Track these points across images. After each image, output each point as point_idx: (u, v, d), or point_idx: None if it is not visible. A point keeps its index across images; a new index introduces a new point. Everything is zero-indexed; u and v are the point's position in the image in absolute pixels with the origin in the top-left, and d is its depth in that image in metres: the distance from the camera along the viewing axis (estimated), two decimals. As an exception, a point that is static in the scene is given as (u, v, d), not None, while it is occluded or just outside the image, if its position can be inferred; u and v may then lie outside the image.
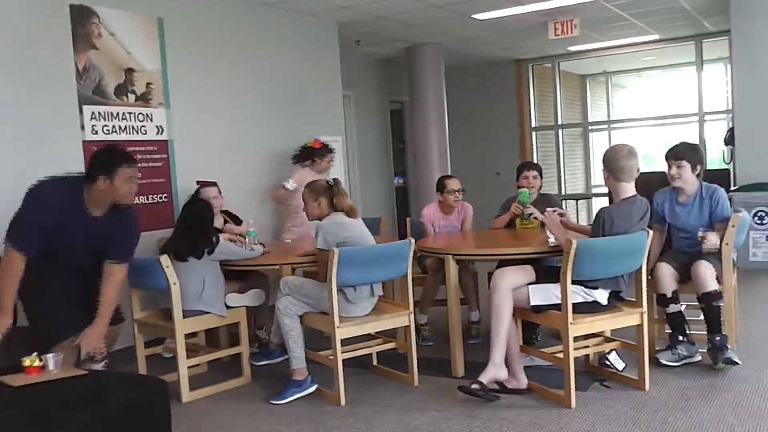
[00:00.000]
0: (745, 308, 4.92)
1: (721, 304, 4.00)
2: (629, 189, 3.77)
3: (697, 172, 4.22)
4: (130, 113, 5.24)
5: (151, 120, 5.42)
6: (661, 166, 4.42)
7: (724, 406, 3.49)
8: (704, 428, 3.25)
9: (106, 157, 3.48)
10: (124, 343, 4.60)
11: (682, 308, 4.19)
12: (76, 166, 4.82)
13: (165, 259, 3.95)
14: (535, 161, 10.42)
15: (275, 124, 6.61)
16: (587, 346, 4.00)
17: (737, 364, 3.91)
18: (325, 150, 5.83)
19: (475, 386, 3.62)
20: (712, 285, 3.96)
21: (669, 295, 4.09)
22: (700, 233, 4.08)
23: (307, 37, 7.09)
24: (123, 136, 5.15)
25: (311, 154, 5.80)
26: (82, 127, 4.90)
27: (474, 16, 7.52)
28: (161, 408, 3.04)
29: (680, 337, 4.14)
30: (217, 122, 6.06)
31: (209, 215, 4.36)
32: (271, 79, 6.61)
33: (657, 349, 4.23)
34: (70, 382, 3.02)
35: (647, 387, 3.77)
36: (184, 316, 4.02)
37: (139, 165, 5.28)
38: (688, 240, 4.24)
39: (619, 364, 4.02)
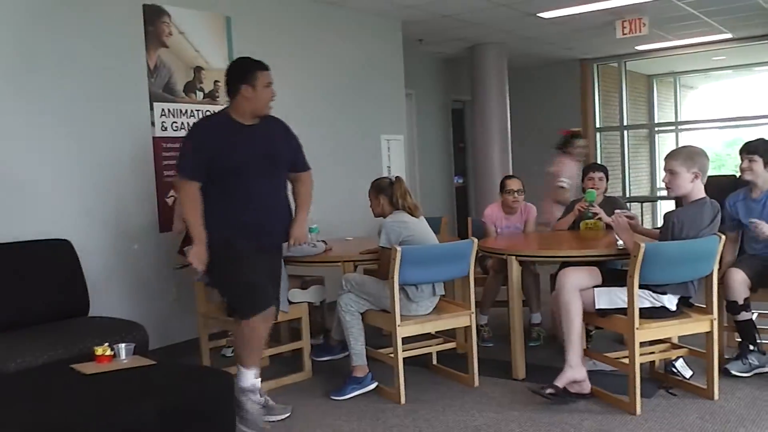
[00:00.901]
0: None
1: None
2: (703, 191, 3.66)
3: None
4: (198, 110, 5.35)
5: (218, 117, 5.52)
6: (732, 170, 4.30)
7: (798, 419, 3.37)
8: (777, 441, 3.14)
9: (241, 68, 3.58)
10: (189, 335, 4.74)
11: (754, 316, 4.05)
12: (147, 162, 4.98)
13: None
14: (600, 163, 10.24)
15: (338, 121, 6.66)
16: (653, 353, 3.90)
17: None
18: (572, 137, 5.96)
19: (550, 391, 3.58)
20: None
21: (740, 302, 3.95)
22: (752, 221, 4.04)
23: (371, 35, 7.12)
24: (191, 133, 5.26)
25: (565, 143, 5.94)
26: (153, 124, 5.03)
27: (539, 14, 7.42)
28: (225, 400, 3.11)
29: (751, 347, 4.01)
30: (283, 120, 6.12)
31: None
32: (335, 78, 6.66)
33: (726, 357, 4.10)
34: (139, 371, 3.11)
35: (716, 396, 3.66)
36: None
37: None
38: (760, 246, 4.11)
39: (687, 372, 3.92)
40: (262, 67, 3.55)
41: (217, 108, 5.49)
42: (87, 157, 4.62)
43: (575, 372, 3.62)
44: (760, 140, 4.20)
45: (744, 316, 3.99)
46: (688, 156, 3.64)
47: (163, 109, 5.10)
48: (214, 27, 5.52)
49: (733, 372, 3.95)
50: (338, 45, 6.70)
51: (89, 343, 3.35)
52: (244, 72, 3.51)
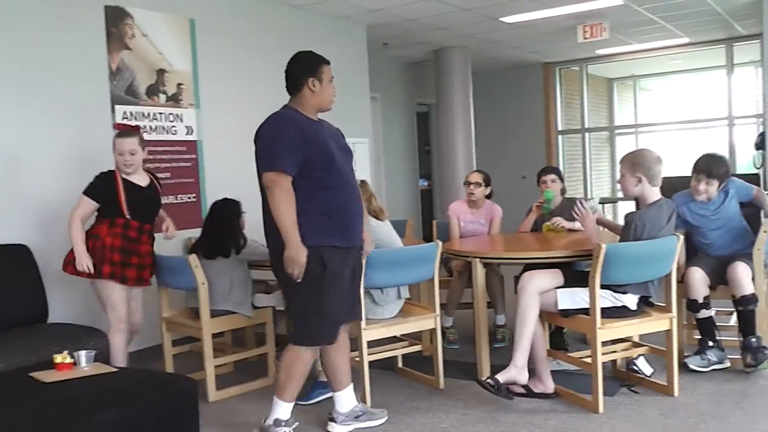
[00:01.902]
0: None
1: (756, 307, 3.98)
2: (657, 193, 3.74)
3: (723, 187, 4.27)
4: (160, 113, 5.29)
5: (181, 120, 5.47)
6: (688, 170, 4.37)
7: (756, 413, 3.45)
8: (735, 436, 3.21)
9: (307, 60, 3.38)
10: (153, 341, 4.67)
11: (713, 314, 4.14)
12: (108, 165, 4.90)
13: (193, 259, 3.98)
14: (557, 165, 10.39)
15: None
16: (615, 351, 3.96)
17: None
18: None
19: (489, 381, 3.61)
20: (749, 288, 3.96)
21: (700, 300, 4.06)
22: None
23: (336, 39, 7.11)
24: (153, 136, 5.20)
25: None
26: (114, 127, 4.96)
27: (502, 19, 7.49)
28: (189, 407, 3.08)
29: (710, 343, 4.10)
30: (248, 124, 6.07)
31: (236, 214, 4.38)
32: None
33: (686, 354, 4.18)
34: (100, 379, 3.06)
35: (676, 392, 3.73)
36: (212, 316, 4.05)
37: (169, 165, 5.37)
38: (711, 245, 4.26)
39: (647, 369, 3.98)
40: (326, 60, 3.40)
41: (181, 111, 5.45)
42: (46, 160, 4.54)
43: (519, 373, 3.65)
44: (716, 160, 4.27)
45: (704, 313, 4.09)
46: (632, 161, 3.76)
47: (125, 112, 5.03)
48: (177, 29, 5.46)
49: (692, 366, 4.04)
50: (303, 48, 6.66)
51: (48, 351, 3.29)
52: (310, 65, 3.34)
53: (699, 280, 4.06)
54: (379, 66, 8.68)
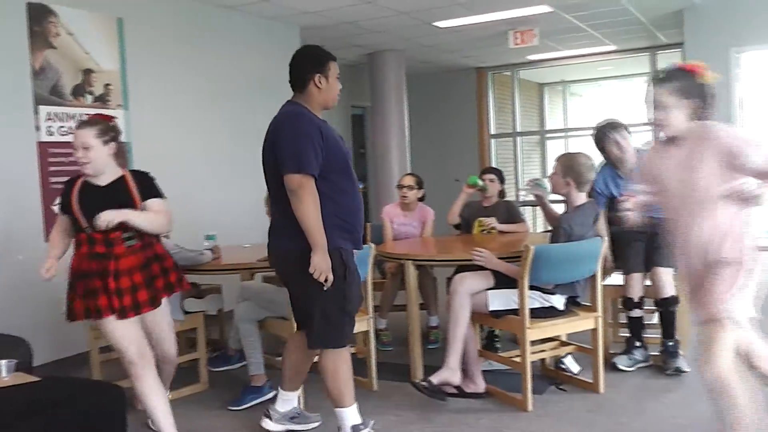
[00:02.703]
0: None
1: (675, 309, 4.12)
2: (584, 197, 3.86)
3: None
4: (87, 114, 5.13)
5: (109, 122, 5.33)
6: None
7: (675, 408, 3.58)
8: (657, 429, 3.33)
9: (314, 55, 3.20)
10: (79, 348, 4.54)
11: (643, 314, 4.31)
12: (31, 168, 4.75)
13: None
14: (494, 166, 10.56)
15: (235, 127, 6.58)
16: (544, 350, 4.06)
17: (685, 372, 4.02)
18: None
19: (423, 382, 3.67)
20: (670, 290, 4.08)
21: (636, 299, 4.22)
22: None
23: (269, 41, 7.06)
24: (79, 138, 5.06)
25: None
26: (37, 128, 4.80)
27: (436, 23, 7.58)
28: (117, 414, 3.00)
29: (637, 343, 4.25)
30: (178, 126, 6.01)
31: None
32: (233, 83, 6.58)
33: (612, 352, 4.31)
34: (22, 389, 2.96)
35: (602, 389, 3.85)
36: (142, 321, 3.95)
37: (96, 167, 5.23)
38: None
39: (575, 368, 4.10)
40: (333, 56, 3.22)
41: (109, 112, 5.29)
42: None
43: (452, 374, 3.72)
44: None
45: (636, 312, 4.24)
46: (566, 164, 3.86)
47: (49, 113, 4.88)
48: (105, 28, 5.33)
49: (620, 366, 4.17)
50: (235, 50, 6.62)
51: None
52: (317, 60, 3.18)
53: (636, 279, 4.21)
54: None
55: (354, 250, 3.19)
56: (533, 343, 3.72)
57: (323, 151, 3.02)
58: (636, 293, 4.22)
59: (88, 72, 5.18)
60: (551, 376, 4.14)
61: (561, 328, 3.84)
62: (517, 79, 11.40)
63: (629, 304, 4.25)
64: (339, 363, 3.18)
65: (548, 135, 12.88)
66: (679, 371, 4.03)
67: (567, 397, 3.82)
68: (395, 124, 9.18)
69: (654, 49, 9.88)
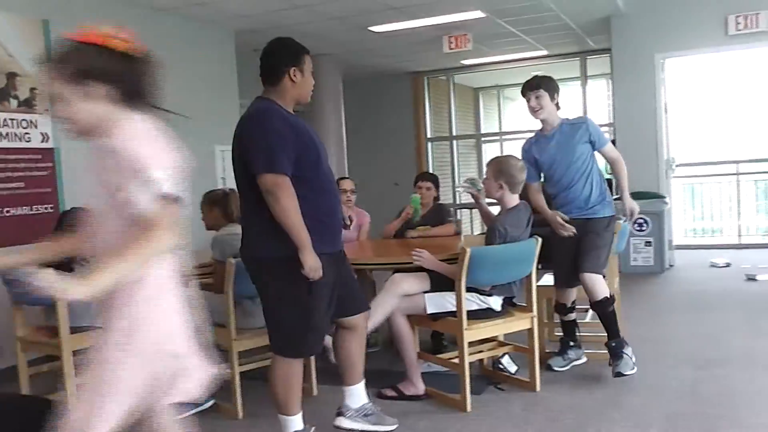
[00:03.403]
0: (626, 312, 5.20)
1: (613, 308, 4.07)
2: (516, 198, 3.93)
3: (555, 101, 4.19)
4: (12, 119, 4.98)
5: (36, 127, 5.17)
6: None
7: (608, 404, 3.68)
8: (591, 425, 3.42)
9: (288, 48, 3.09)
10: (7, 362, 4.38)
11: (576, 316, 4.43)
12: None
13: (48, 273, 3.75)
14: (431, 171, 10.67)
15: (170, 132, 6.45)
16: (482, 351, 4.12)
17: (626, 375, 3.94)
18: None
19: (391, 393, 3.89)
20: (602, 292, 4.02)
21: (568, 305, 4.32)
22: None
23: (202, 44, 6.97)
24: (4, 143, 4.89)
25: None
26: (-41, 135, 4.63)
27: (371, 28, 7.61)
28: (46, 428, 2.90)
29: (571, 343, 4.35)
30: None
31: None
32: (166, 87, 6.45)
33: (548, 351, 4.41)
34: (-55, 405, 2.84)
35: (538, 387, 3.93)
36: (72, 332, 3.85)
37: (23, 174, 5.06)
38: (560, 192, 4.19)
39: (512, 367, 4.17)
40: (307, 50, 3.12)
41: (35, 117, 5.15)
42: None
43: (416, 388, 3.89)
44: (541, 75, 4.25)
45: (570, 316, 4.35)
46: (497, 167, 3.93)
47: (-30, 119, 4.70)
48: (29, 31, 5.16)
49: (555, 368, 4.26)
50: (167, 53, 6.45)
51: None
52: (292, 53, 3.07)
53: (567, 289, 4.29)
54: (249, 73, 8.56)
55: (340, 253, 3.17)
56: (471, 344, 3.77)
57: (296, 149, 2.92)
58: (568, 299, 4.31)
59: (12, 76, 5.01)
60: (489, 376, 4.20)
61: (498, 328, 3.90)
62: (453, 83, 11.55)
63: (562, 309, 4.34)
64: (291, 372, 3.10)
65: (484, 139, 13.08)
66: (620, 375, 3.93)
67: (505, 397, 3.89)
68: (332, 129, 9.18)
69: (584, 54, 10.17)
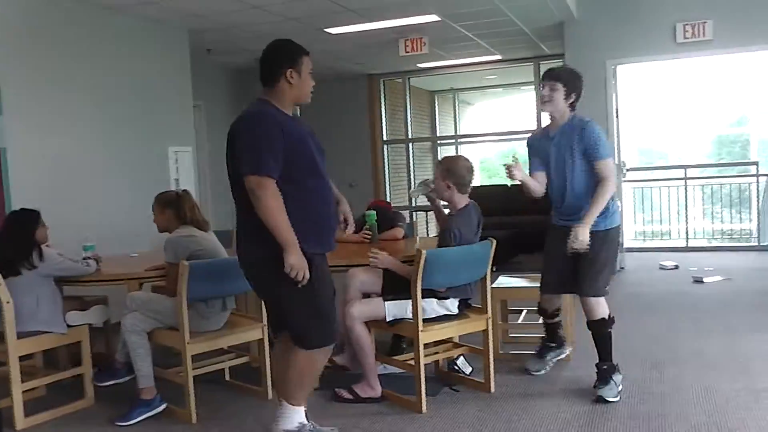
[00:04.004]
0: (578, 313, 5.28)
1: (610, 330, 3.86)
2: (466, 199, 3.96)
3: (570, 101, 3.82)
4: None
5: (-19, 126, 5.02)
6: (503, 179, 4.64)
7: (561, 405, 3.73)
8: (544, 426, 3.46)
9: (284, 49, 3.09)
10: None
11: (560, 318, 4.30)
12: None
13: (-7, 277, 3.65)
14: (383, 176, 10.74)
15: (119, 131, 6.34)
16: (437, 353, 4.13)
17: (608, 402, 3.70)
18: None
19: (347, 396, 3.86)
20: (601, 313, 3.81)
21: (550, 311, 4.21)
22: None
23: (155, 43, 6.86)
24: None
25: None
26: None
27: (327, 30, 7.59)
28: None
29: (551, 344, 4.27)
30: (58, 130, 5.73)
31: (31, 226, 3.97)
32: (117, 87, 6.34)
33: (501, 352, 4.46)
34: None
35: (493, 389, 3.96)
36: (19, 337, 3.74)
37: (-33, 175, 4.90)
38: (562, 200, 3.90)
39: (467, 369, 4.20)
40: (305, 51, 3.12)
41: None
42: None
43: (374, 391, 3.88)
44: (565, 67, 3.95)
45: (553, 319, 4.24)
46: (446, 167, 3.95)
47: None
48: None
49: (533, 372, 4.20)
50: (119, 52, 6.38)
51: None
52: (288, 54, 3.07)
53: (552, 296, 4.13)
54: (203, 73, 8.48)
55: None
56: (426, 345, 3.79)
57: (285, 151, 2.94)
58: (552, 306, 4.17)
59: (-44, 73, 4.86)
60: (445, 377, 4.22)
61: (453, 330, 3.93)
62: (409, 86, 11.60)
63: (545, 313, 4.21)
64: (310, 366, 3.14)
65: (440, 141, 13.17)
66: (601, 400, 3.69)
67: (460, 398, 3.91)
68: (288, 130, 9.11)
69: (537, 59, 10.31)
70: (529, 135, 4.26)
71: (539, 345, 4.32)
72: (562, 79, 3.75)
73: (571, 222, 3.76)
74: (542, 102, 3.83)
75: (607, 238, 3.79)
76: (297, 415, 3.18)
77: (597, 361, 3.84)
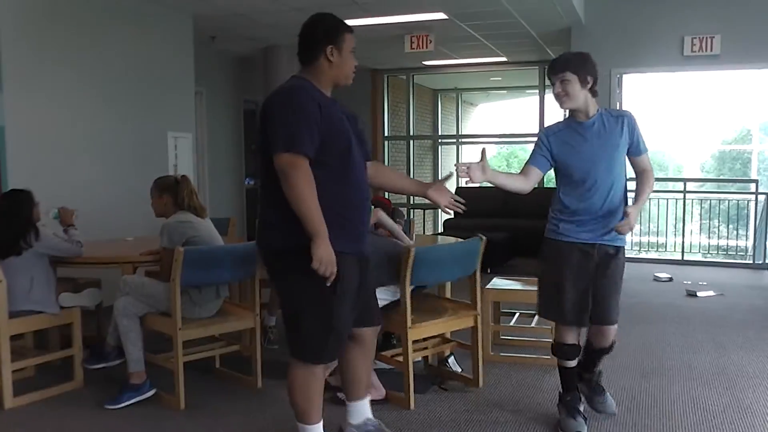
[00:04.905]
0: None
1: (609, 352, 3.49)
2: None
3: (589, 85, 3.23)
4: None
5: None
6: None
7: (550, 407, 3.72)
8: (531, 426, 3.47)
9: (325, 24, 2.81)
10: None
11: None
12: None
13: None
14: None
15: (119, 115, 6.33)
16: (426, 348, 4.14)
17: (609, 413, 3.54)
18: None
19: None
20: (612, 337, 3.42)
21: (571, 343, 3.36)
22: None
23: (160, 27, 6.85)
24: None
25: None
26: None
27: (333, 23, 7.58)
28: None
29: (581, 407, 3.41)
30: (58, 110, 5.72)
31: (27, 207, 3.96)
32: (120, 69, 6.33)
33: (491, 353, 4.47)
34: None
35: (481, 384, 3.99)
36: (10, 317, 3.74)
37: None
38: (582, 217, 3.24)
39: (457, 368, 4.21)
40: (349, 28, 2.85)
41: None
42: None
43: (378, 392, 3.76)
44: (567, 53, 3.40)
45: (571, 363, 3.41)
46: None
47: None
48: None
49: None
50: (124, 34, 6.37)
51: None
52: (329, 30, 2.80)
53: (571, 329, 3.36)
54: (206, 60, 8.47)
55: (364, 257, 2.86)
56: (416, 341, 3.79)
57: (323, 132, 2.65)
58: (572, 339, 3.37)
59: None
60: (435, 374, 4.23)
61: (442, 326, 3.94)
62: (413, 83, 11.59)
63: (564, 352, 3.37)
64: (310, 379, 2.81)
65: (441, 140, 13.17)
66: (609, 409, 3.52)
67: (448, 396, 3.92)
68: (289, 121, 9.09)
69: (543, 63, 10.30)
70: (536, 133, 3.75)
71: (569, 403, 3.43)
72: (570, 68, 3.19)
73: (596, 238, 3.22)
74: (559, 101, 3.23)
75: (622, 256, 3.33)
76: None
77: (585, 373, 3.53)
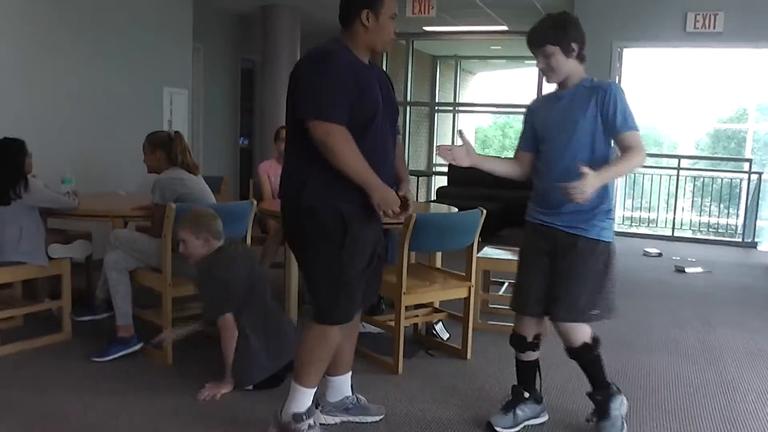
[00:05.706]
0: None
1: (597, 353, 3.05)
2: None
3: (575, 53, 2.93)
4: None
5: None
6: (496, 151, 4.60)
7: (535, 377, 3.78)
8: (515, 396, 3.50)
9: None
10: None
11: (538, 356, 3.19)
12: None
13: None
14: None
15: (115, 68, 6.25)
16: (417, 316, 4.16)
17: None
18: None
19: None
20: (580, 338, 2.99)
21: (530, 338, 3.12)
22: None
23: (158, -20, 6.73)
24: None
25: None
26: None
27: (334, -17, 7.47)
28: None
29: (525, 393, 3.17)
30: (54, 62, 5.63)
31: (17, 156, 3.90)
32: (115, 21, 6.23)
33: (479, 321, 4.49)
34: None
35: (469, 356, 4.00)
36: (-1, 266, 3.73)
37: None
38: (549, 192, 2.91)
39: (445, 335, 4.23)
40: None
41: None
42: None
43: None
44: (544, 21, 3.07)
45: (530, 355, 3.16)
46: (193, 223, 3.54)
47: None
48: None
49: (497, 428, 3.11)
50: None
51: None
52: None
53: (530, 319, 3.10)
54: (204, 16, 8.34)
55: (379, 228, 2.81)
56: (407, 308, 3.81)
57: (353, 99, 2.58)
58: (530, 332, 3.11)
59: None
60: (422, 341, 4.25)
61: (435, 294, 3.96)
62: (412, 48, 11.48)
63: (520, 344, 3.14)
64: (322, 342, 2.75)
65: (438, 108, 13.10)
66: None
67: (435, 362, 3.95)
68: (286, 81, 8.96)
69: (543, 34, 10.20)
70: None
71: (509, 396, 3.20)
72: (550, 39, 2.91)
73: (549, 220, 2.95)
74: (545, 75, 2.99)
75: (596, 250, 2.90)
76: (306, 397, 2.82)
77: (589, 390, 3.12)
